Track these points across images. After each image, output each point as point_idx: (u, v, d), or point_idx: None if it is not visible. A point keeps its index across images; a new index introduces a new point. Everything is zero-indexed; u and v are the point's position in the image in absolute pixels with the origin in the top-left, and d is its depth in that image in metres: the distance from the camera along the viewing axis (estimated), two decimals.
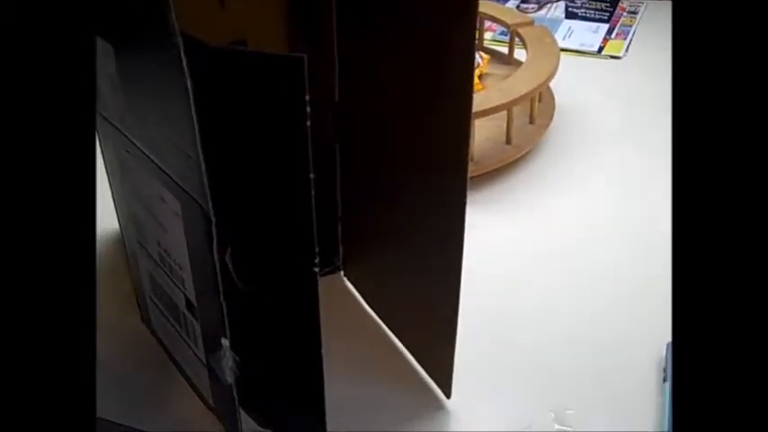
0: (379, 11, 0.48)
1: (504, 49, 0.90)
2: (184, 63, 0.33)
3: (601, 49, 0.99)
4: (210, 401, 0.49)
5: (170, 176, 0.40)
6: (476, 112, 0.68)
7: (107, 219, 0.53)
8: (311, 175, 0.36)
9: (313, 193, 0.36)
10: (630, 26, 1.05)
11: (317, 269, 0.39)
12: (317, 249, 0.38)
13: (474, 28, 0.40)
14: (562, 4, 1.11)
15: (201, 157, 0.35)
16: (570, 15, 1.08)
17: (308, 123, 0.35)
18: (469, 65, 0.41)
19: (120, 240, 0.53)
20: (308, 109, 0.34)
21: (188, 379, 0.52)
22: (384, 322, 0.58)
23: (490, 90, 0.73)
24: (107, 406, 0.48)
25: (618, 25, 1.06)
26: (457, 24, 0.40)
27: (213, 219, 0.37)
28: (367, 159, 0.55)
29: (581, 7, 1.10)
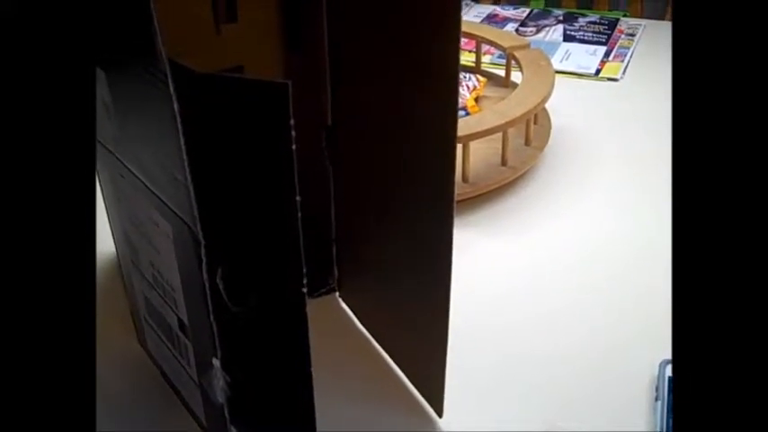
0: (369, 36, 0.49)
1: (502, 72, 0.91)
2: (171, 88, 0.34)
3: (598, 71, 1.00)
4: (203, 421, 0.50)
5: (161, 199, 0.41)
6: (471, 134, 0.69)
7: (104, 241, 0.54)
8: (297, 198, 0.37)
9: (300, 215, 0.37)
10: (628, 48, 1.06)
11: (305, 290, 0.39)
12: (304, 270, 0.39)
13: (458, 48, 0.41)
14: (560, 27, 1.12)
15: (190, 180, 0.36)
16: (568, 38, 1.09)
17: (294, 147, 0.36)
18: (454, 85, 0.42)
19: (117, 262, 0.54)
20: (294, 133, 0.35)
21: (182, 399, 0.53)
22: (377, 342, 0.58)
23: (485, 112, 0.74)
24: (102, 425, 0.49)
25: (615, 47, 1.06)
26: (441, 46, 0.41)
27: (203, 241, 0.38)
28: (360, 181, 0.56)
29: (579, 30, 1.11)
